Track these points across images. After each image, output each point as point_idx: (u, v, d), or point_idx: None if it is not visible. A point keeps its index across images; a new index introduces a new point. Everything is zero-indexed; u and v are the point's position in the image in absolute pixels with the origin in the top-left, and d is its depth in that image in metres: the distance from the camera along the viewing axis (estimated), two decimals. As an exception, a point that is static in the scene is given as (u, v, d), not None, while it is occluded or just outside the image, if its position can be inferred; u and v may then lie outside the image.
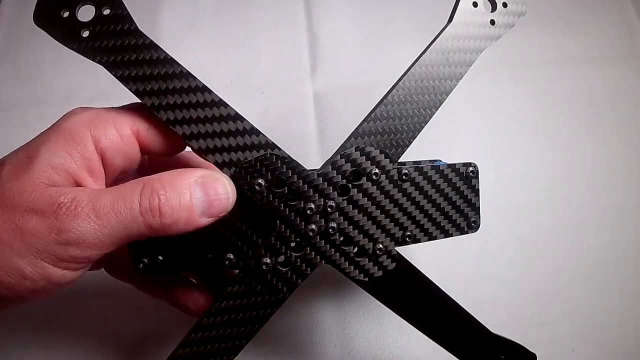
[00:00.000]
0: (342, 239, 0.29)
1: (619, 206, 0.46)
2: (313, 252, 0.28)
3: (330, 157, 0.28)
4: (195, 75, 0.27)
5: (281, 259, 0.28)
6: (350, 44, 0.55)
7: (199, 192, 0.26)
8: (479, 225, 0.31)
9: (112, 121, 0.26)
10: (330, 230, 0.28)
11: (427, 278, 0.30)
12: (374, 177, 0.28)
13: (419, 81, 0.29)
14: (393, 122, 0.29)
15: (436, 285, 0.30)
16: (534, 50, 0.55)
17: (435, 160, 0.33)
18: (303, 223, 0.28)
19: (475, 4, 0.30)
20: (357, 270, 0.29)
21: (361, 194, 0.28)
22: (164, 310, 0.41)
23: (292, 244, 0.28)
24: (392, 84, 0.29)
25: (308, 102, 0.52)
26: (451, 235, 0.31)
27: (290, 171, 0.27)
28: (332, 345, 0.40)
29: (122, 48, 0.25)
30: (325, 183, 0.28)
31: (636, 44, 0.54)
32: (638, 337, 0.41)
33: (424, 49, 0.29)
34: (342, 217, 0.28)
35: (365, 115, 0.29)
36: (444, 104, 0.29)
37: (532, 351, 0.34)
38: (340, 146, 0.28)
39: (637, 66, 0.53)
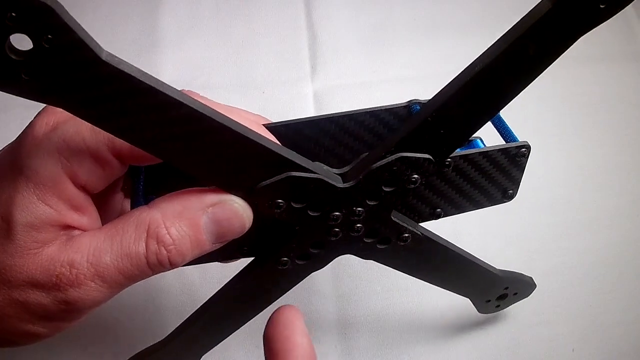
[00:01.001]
0: (366, 233, 0.26)
1: (619, 206, 0.46)
2: (334, 248, 0.27)
3: (363, 165, 0.24)
4: (189, 99, 0.20)
5: (299, 255, 0.26)
6: (350, 43, 0.55)
7: (211, 226, 0.23)
8: (515, 196, 0.30)
9: (85, 148, 0.21)
10: (355, 231, 0.26)
11: (443, 244, 0.29)
12: (412, 184, 0.24)
13: (490, 76, 0.21)
14: (449, 124, 0.23)
15: (450, 248, 0.29)
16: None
17: (472, 141, 0.30)
18: (325, 229, 0.25)
19: None
20: (377, 255, 0.28)
21: (394, 197, 0.25)
22: (164, 310, 0.41)
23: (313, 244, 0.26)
24: (449, 81, 0.23)
25: (308, 102, 0.52)
26: (483, 207, 0.29)
27: (314, 190, 0.23)
28: (332, 346, 0.40)
29: (84, 84, 0.18)
30: (356, 195, 0.24)
31: (636, 44, 0.54)
32: (638, 337, 0.41)
33: (504, 36, 0.21)
34: (369, 219, 0.25)
35: (413, 116, 0.24)
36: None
37: (532, 281, 0.36)
38: (376, 152, 0.24)
39: (637, 66, 0.53)
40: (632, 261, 0.44)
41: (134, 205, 0.25)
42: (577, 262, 0.44)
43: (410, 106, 0.29)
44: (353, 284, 0.42)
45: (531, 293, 0.37)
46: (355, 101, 0.52)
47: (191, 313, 0.29)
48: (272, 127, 0.28)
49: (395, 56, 0.55)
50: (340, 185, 0.24)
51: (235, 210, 0.23)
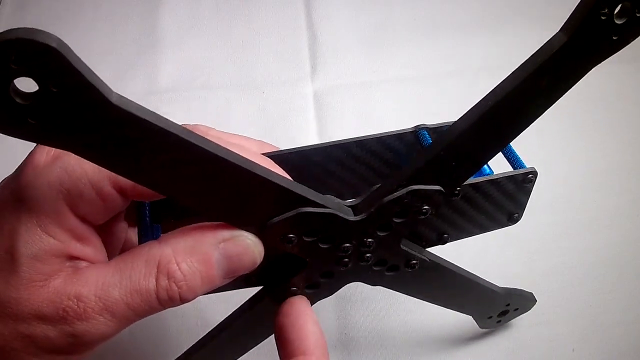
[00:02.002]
0: (375, 262, 0.26)
1: (619, 206, 0.46)
2: (343, 277, 0.27)
3: (374, 197, 0.24)
4: (200, 139, 0.19)
5: (308, 284, 0.26)
6: (350, 43, 0.55)
7: (222, 262, 0.22)
8: (520, 219, 0.30)
9: (87, 180, 0.21)
10: (364, 260, 0.26)
11: (448, 267, 0.29)
12: (423, 215, 0.24)
13: (503, 111, 0.22)
14: (460, 156, 0.23)
15: (456, 271, 0.30)
16: (533, 51, 0.55)
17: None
18: (335, 260, 0.25)
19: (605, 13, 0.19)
20: (385, 281, 0.28)
21: (404, 227, 0.25)
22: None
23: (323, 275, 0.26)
24: (458, 118, 0.22)
25: (308, 102, 0.52)
26: (489, 230, 0.30)
27: (326, 224, 0.23)
28: (332, 346, 0.40)
29: (92, 128, 0.17)
30: (367, 227, 0.24)
31: (636, 43, 0.54)
32: (638, 337, 0.41)
33: (519, 70, 0.21)
34: (379, 248, 0.25)
35: (425, 150, 0.24)
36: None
37: (532, 297, 0.37)
38: (388, 184, 0.24)
39: (636, 66, 0.53)
40: (632, 261, 0.44)
41: (141, 235, 0.25)
42: (577, 262, 0.44)
43: (417, 131, 0.29)
44: (353, 284, 0.42)
45: (531, 308, 0.38)
46: (355, 101, 0.52)
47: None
48: (279, 155, 0.28)
49: (395, 56, 0.55)
50: (352, 218, 0.24)
51: (247, 246, 0.22)
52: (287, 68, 0.54)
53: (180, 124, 0.21)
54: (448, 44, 0.55)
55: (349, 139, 0.29)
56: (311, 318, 0.23)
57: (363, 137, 0.29)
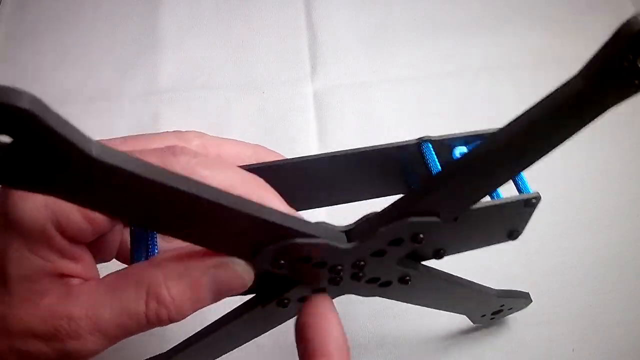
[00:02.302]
0: (368, 279, 0.26)
1: (619, 206, 0.46)
2: (334, 292, 0.27)
3: (370, 226, 0.24)
4: (189, 183, 0.19)
5: (300, 298, 0.26)
6: (350, 43, 0.55)
7: (212, 286, 0.23)
8: (519, 236, 0.29)
9: (74, 206, 0.21)
10: (357, 279, 0.26)
11: (443, 277, 0.29)
12: (418, 243, 0.24)
13: (512, 149, 0.21)
14: (465, 188, 0.23)
15: (449, 279, 0.30)
16: (533, 51, 0.55)
17: None
18: (328, 279, 0.25)
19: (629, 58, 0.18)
20: (378, 294, 0.28)
21: (399, 252, 0.25)
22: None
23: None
24: (468, 151, 0.23)
25: (308, 102, 0.52)
26: (487, 246, 0.29)
27: (319, 253, 0.23)
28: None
29: (75, 180, 0.17)
30: (360, 252, 0.24)
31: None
32: (638, 337, 0.41)
33: (533, 108, 0.21)
34: (372, 269, 0.25)
35: (429, 180, 0.24)
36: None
37: (528, 296, 0.37)
38: (386, 213, 0.24)
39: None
40: (632, 261, 0.44)
41: (134, 239, 0.25)
42: (577, 262, 0.43)
43: (420, 143, 0.29)
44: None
45: (527, 306, 0.38)
46: (355, 101, 0.52)
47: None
48: (277, 165, 0.28)
49: (395, 56, 0.55)
50: (345, 246, 0.23)
51: (236, 273, 0.23)
52: (287, 68, 0.54)
53: (173, 128, 0.21)
54: (448, 44, 0.55)
55: (349, 149, 0.28)
56: (334, 319, 0.23)
57: (364, 148, 0.29)
